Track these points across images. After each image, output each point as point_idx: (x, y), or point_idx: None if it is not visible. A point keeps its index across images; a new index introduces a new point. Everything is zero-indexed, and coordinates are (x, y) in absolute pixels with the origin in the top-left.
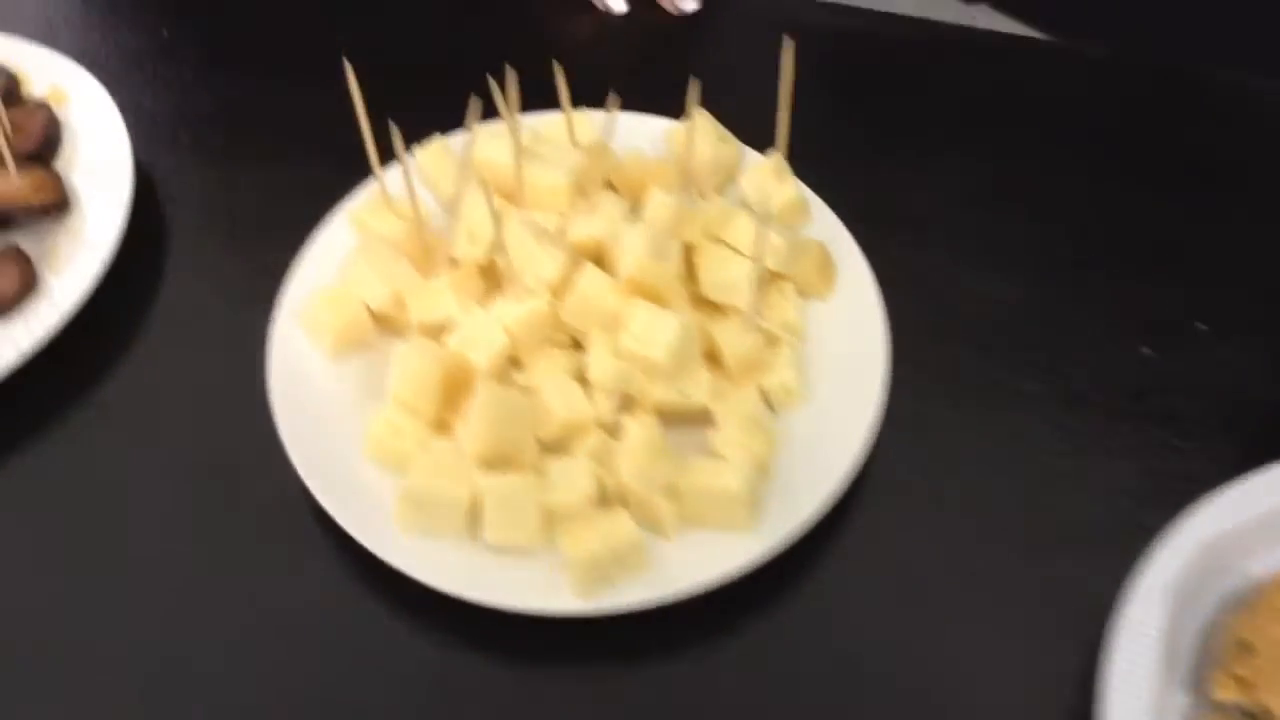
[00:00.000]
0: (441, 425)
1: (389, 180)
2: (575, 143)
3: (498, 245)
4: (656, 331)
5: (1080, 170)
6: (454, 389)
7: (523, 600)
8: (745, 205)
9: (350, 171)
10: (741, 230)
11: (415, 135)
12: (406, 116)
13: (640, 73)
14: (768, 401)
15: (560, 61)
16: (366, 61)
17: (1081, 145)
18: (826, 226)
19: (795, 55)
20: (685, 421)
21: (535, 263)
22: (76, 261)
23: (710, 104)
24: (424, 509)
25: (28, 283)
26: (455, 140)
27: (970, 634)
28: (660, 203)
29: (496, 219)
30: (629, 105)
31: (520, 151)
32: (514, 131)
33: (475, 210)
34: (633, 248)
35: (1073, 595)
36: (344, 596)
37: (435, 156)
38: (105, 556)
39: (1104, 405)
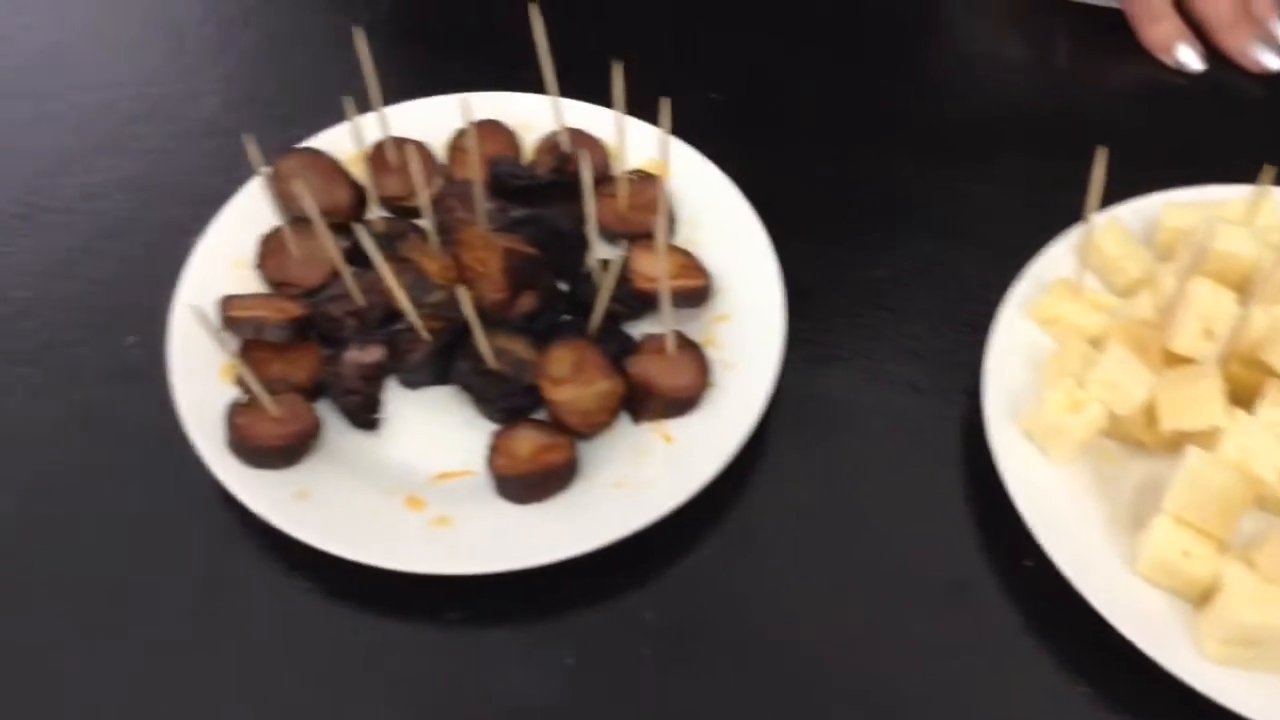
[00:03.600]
0: (1221, 546)
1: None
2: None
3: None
4: None
5: None
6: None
7: None
8: None
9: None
10: None
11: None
12: None
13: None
14: None
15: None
16: None
17: None
18: None
19: None
20: None
21: None
22: (747, 357)
23: None
24: (1254, 645)
25: (704, 379)
26: (1125, 213)
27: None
28: None
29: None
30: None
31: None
32: None
33: (1203, 302)
34: None
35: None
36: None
37: (1115, 236)
38: None
39: None
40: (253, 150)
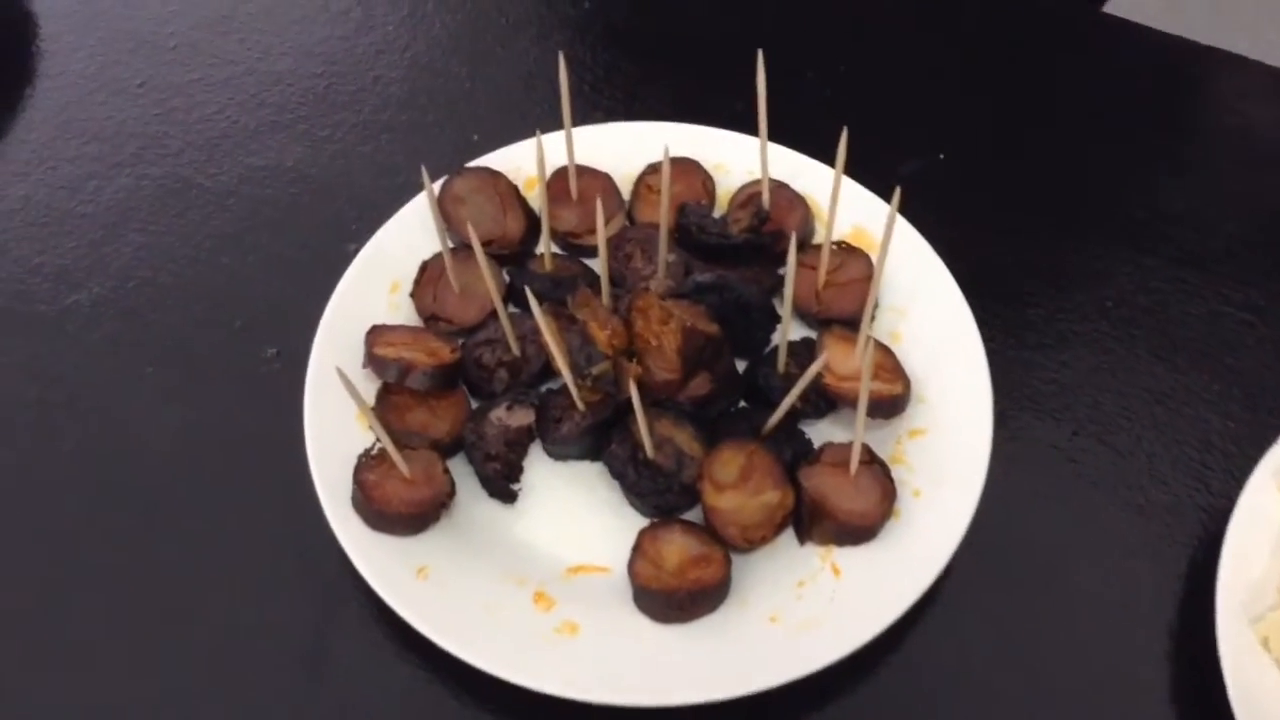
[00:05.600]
0: None
1: None
2: None
3: None
4: None
5: None
6: None
7: None
8: None
9: None
10: None
11: None
12: None
13: None
14: None
15: None
16: None
17: None
18: None
19: None
20: None
21: None
22: (941, 487)
23: None
24: None
25: (887, 506)
26: None
27: None
28: None
29: None
30: None
31: None
32: None
33: None
34: None
35: None
36: None
37: None
38: None
39: None
40: (425, 176)
